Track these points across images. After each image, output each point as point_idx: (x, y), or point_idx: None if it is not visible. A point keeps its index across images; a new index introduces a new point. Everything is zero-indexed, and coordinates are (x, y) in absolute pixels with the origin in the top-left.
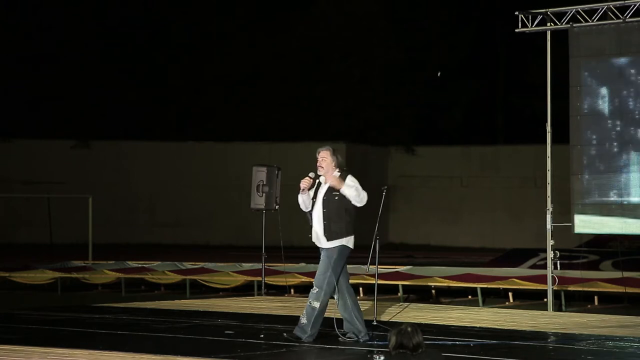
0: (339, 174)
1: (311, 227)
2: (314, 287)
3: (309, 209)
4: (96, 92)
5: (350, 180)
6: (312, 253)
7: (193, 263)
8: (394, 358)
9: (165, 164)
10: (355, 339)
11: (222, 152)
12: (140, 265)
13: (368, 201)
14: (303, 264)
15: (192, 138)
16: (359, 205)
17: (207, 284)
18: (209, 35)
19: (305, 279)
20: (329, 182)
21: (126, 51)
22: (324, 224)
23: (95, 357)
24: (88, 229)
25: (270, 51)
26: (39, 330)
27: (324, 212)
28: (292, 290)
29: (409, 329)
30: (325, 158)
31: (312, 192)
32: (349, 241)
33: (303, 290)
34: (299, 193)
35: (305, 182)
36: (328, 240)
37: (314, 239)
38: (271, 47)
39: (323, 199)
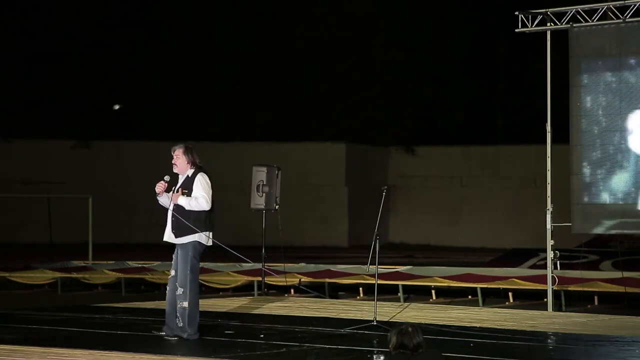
0: (193, 170)
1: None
2: (178, 289)
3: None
4: (96, 92)
5: (197, 181)
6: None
7: None
8: (394, 358)
9: (165, 164)
10: (176, 337)
11: (222, 152)
12: (140, 265)
13: (369, 201)
14: (303, 264)
15: (192, 138)
16: (197, 209)
17: (207, 284)
18: (209, 35)
19: (305, 279)
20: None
21: (126, 51)
22: (172, 220)
23: (95, 357)
24: (88, 229)
25: (270, 51)
26: (39, 330)
27: (173, 209)
28: (292, 290)
29: (410, 329)
30: (178, 156)
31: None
32: (201, 237)
33: (303, 290)
34: (157, 197)
35: (159, 187)
36: (176, 236)
37: (165, 238)
38: (271, 47)
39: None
